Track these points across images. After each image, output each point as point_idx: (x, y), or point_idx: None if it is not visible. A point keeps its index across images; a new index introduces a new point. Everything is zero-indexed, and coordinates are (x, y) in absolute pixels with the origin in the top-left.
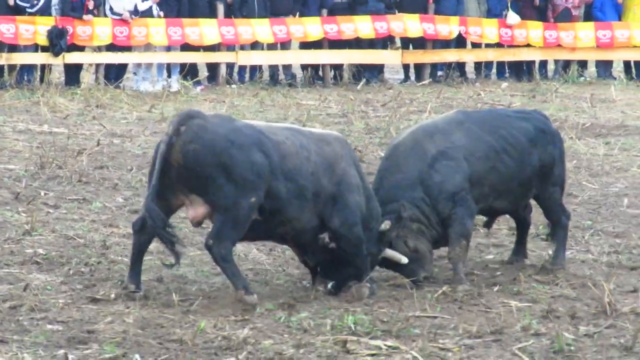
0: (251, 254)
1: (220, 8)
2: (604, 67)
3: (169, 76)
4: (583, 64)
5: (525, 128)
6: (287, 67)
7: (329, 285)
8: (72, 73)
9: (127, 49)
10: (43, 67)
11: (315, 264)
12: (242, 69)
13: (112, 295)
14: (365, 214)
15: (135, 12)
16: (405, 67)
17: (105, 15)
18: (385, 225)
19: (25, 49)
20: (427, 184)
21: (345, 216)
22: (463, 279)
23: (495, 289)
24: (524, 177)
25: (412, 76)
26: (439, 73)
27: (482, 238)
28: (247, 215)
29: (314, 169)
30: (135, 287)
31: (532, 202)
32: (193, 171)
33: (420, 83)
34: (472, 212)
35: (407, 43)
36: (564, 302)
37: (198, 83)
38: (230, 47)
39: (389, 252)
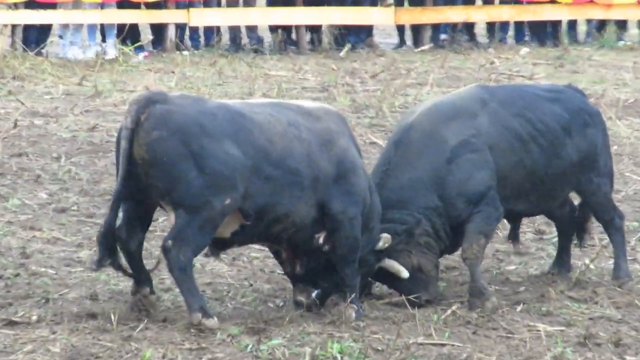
0: (209, 265)
1: None
2: None
3: (104, 40)
4: (622, 25)
5: (557, 112)
6: (252, 29)
7: (313, 295)
8: None
9: (51, 6)
10: None
11: (306, 271)
12: (195, 31)
13: (34, 317)
14: (366, 210)
15: None
16: (400, 29)
17: None
18: (385, 241)
19: None
20: (444, 184)
21: (347, 202)
22: (487, 290)
23: (519, 308)
24: (551, 174)
25: (409, 41)
26: (442, 36)
27: (502, 244)
28: (218, 218)
29: (308, 149)
30: (150, 290)
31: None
32: (159, 165)
33: (419, 49)
34: (499, 215)
35: None
36: (605, 325)
37: (140, 49)
38: (180, 4)
39: (388, 262)
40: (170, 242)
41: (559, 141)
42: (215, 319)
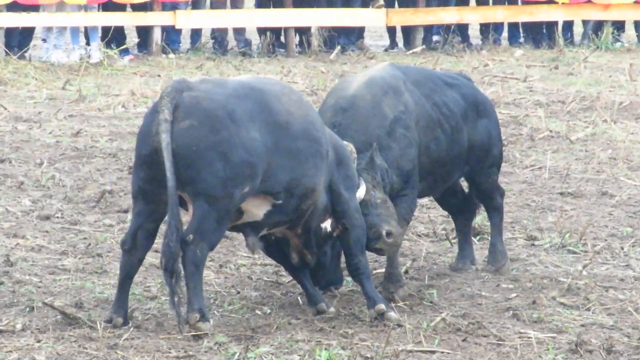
0: None
1: None
2: None
3: (88, 43)
4: (619, 26)
5: (456, 98)
6: (239, 32)
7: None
8: None
9: (34, 8)
10: None
11: (313, 264)
12: (180, 33)
13: (19, 326)
14: None
15: None
16: (391, 30)
17: None
18: (361, 192)
19: None
20: (386, 156)
21: (350, 188)
22: (402, 279)
23: (509, 314)
24: (450, 159)
25: (400, 42)
26: (435, 38)
27: None
28: (233, 209)
29: (316, 117)
30: (123, 321)
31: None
32: (187, 156)
33: (411, 51)
34: (416, 195)
35: (393, 0)
36: (597, 331)
37: (125, 52)
38: (166, 6)
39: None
40: (190, 236)
41: (459, 127)
42: (211, 323)
